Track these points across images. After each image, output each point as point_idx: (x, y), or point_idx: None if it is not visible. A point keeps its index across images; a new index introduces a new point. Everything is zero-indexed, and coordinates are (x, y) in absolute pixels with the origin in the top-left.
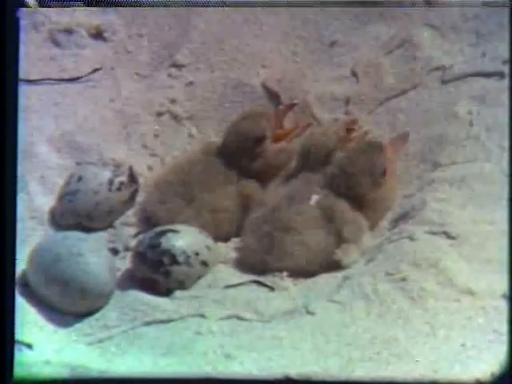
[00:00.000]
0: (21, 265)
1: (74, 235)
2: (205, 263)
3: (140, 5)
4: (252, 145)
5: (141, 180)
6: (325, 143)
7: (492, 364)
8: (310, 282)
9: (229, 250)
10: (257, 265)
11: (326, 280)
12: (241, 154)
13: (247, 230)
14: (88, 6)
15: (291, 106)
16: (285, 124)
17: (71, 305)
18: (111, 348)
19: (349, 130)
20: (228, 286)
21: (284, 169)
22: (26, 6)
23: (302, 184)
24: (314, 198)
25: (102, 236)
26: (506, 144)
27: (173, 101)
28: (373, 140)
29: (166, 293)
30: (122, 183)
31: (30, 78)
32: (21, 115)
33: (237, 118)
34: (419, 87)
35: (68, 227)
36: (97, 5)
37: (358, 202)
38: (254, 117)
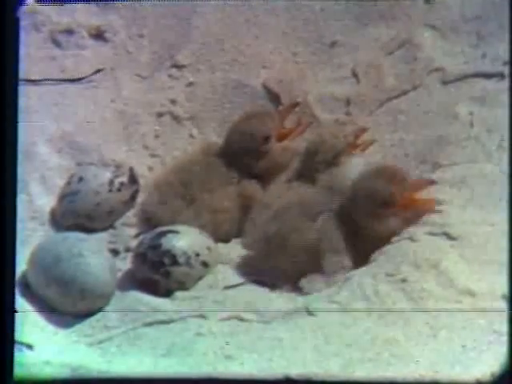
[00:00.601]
0: (21, 265)
1: (75, 236)
2: (205, 264)
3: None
4: (258, 144)
5: (141, 181)
6: (334, 144)
7: (492, 365)
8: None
9: (229, 250)
10: (260, 266)
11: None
12: (245, 153)
13: (250, 232)
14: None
15: (294, 106)
16: (285, 124)
17: (71, 305)
18: (111, 349)
19: (357, 137)
20: (228, 287)
21: (286, 168)
22: (25, 5)
23: (314, 193)
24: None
25: (102, 237)
26: (507, 145)
27: (173, 101)
28: (393, 168)
29: (167, 293)
30: (122, 184)
31: (31, 79)
32: (21, 115)
33: (240, 118)
34: (420, 88)
35: (68, 228)
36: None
37: (357, 233)
38: (259, 116)
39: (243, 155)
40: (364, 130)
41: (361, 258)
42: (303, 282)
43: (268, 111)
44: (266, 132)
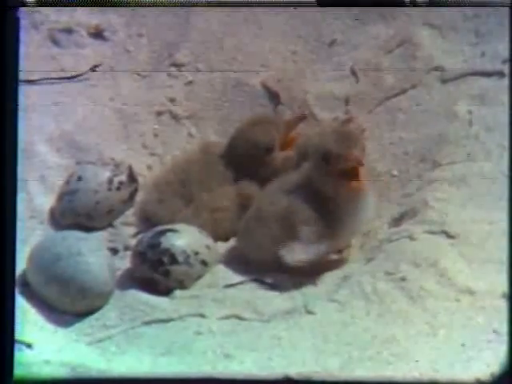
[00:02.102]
0: (21, 264)
1: (74, 235)
2: (204, 263)
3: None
4: (261, 153)
5: (140, 179)
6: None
7: (492, 364)
8: (310, 281)
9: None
10: (241, 245)
11: (325, 279)
12: (247, 160)
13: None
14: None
15: (302, 119)
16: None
17: (71, 304)
18: (111, 348)
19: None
20: (228, 286)
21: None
22: (25, 5)
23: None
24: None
25: (101, 235)
26: (506, 143)
27: (172, 100)
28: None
29: (166, 292)
30: (121, 183)
31: (30, 78)
32: (20, 115)
33: (245, 123)
34: (419, 86)
35: (68, 227)
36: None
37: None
38: (264, 125)
39: (245, 163)
40: (350, 119)
41: (333, 226)
42: (283, 252)
43: (273, 119)
44: (269, 143)
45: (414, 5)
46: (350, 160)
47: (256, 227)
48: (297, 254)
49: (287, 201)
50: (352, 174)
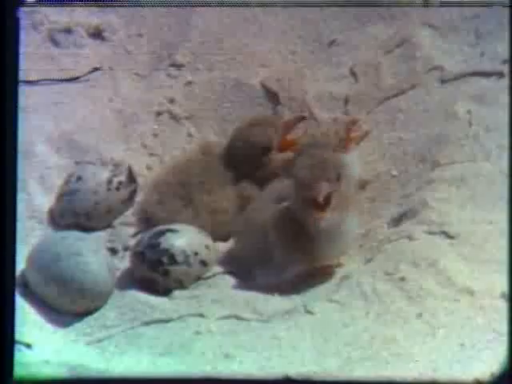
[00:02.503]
0: (20, 265)
1: (73, 235)
2: (204, 263)
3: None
4: (259, 154)
5: (140, 180)
6: (325, 143)
7: (491, 364)
8: (309, 281)
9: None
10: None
11: (324, 280)
12: (245, 161)
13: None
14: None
15: (300, 119)
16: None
17: (70, 304)
18: (110, 348)
19: (348, 130)
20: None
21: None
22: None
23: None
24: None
25: (100, 236)
26: (506, 143)
27: (172, 100)
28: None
29: (165, 292)
30: (120, 183)
31: (29, 78)
32: (20, 115)
33: (244, 124)
34: (418, 87)
35: (67, 227)
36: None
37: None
38: (262, 125)
39: (244, 163)
40: (355, 121)
41: (308, 249)
42: (257, 272)
43: (272, 120)
44: (266, 143)
45: (426, 5)
46: (316, 191)
47: (243, 231)
48: (270, 276)
49: (267, 215)
50: (318, 204)
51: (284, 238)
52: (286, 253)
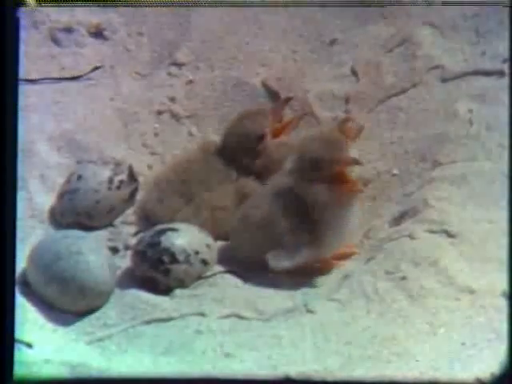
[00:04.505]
0: (21, 263)
1: (74, 234)
2: (205, 262)
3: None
4: (253, 143)
5: (141, 179)
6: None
7: (492, 363)
8: (310, 277)
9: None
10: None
11: (325, 278)
12: (242, 153)
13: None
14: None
15: (287, 101)
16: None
17: (71, 303)
18: (111, 347)
19: (341, 125)
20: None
21: (283, 163)
22: (25, 5)
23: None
24: None
25: (101, 235)
26: (506, 143)
27: (173, 99)
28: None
29: (166, 291)
30: (121, 182)
31: (30, 77)
32: (21, 114)
33: (234, 119)
34: (419, 86)
35: (68, 226)
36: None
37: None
38: (253, 116)
39: (241, 156)
40: (347, 119)
41: (318, 233)
42: (269, 256)
43: (261, 109)
44: (259, 131)
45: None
46: (340, 163)
47: (242, 229)
48: (282, 260)
49: (269, 207)
50: (342, 177)
51: (292, 223)
52: (296, 238)
